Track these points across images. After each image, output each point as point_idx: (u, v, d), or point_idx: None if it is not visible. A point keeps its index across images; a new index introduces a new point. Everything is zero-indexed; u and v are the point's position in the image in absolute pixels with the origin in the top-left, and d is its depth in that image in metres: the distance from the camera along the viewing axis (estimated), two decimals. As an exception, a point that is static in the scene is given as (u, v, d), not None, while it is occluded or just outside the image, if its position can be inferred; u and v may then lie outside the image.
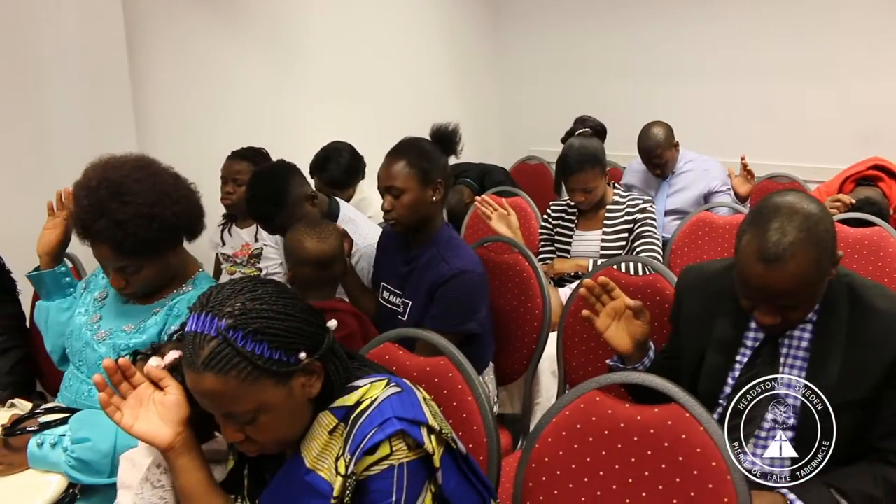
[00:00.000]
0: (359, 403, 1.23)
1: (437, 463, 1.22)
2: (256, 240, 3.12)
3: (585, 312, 1.74)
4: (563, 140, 3.53)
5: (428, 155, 2.22)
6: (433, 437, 1.22)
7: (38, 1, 2.90)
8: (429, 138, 2.31)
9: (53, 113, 3.00)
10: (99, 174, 1.78)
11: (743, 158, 3.54)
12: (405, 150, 2.22)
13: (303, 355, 1.18)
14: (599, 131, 3.69)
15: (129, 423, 1.31)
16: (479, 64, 5.48)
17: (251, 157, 3.05)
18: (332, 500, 1.20)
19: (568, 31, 5.29)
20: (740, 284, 1.51)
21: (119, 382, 1.35)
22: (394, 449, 1.18)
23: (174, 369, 1.37)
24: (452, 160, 4.63)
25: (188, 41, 3.51)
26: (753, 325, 1.63)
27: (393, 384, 1.26)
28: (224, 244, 3.18)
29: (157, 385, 1.36)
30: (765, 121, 4.44)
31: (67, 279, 2.13)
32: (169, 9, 3.41)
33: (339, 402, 1.25)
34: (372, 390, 1.24)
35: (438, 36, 5.11)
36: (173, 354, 1.38)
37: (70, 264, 2.22)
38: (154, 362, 1.38)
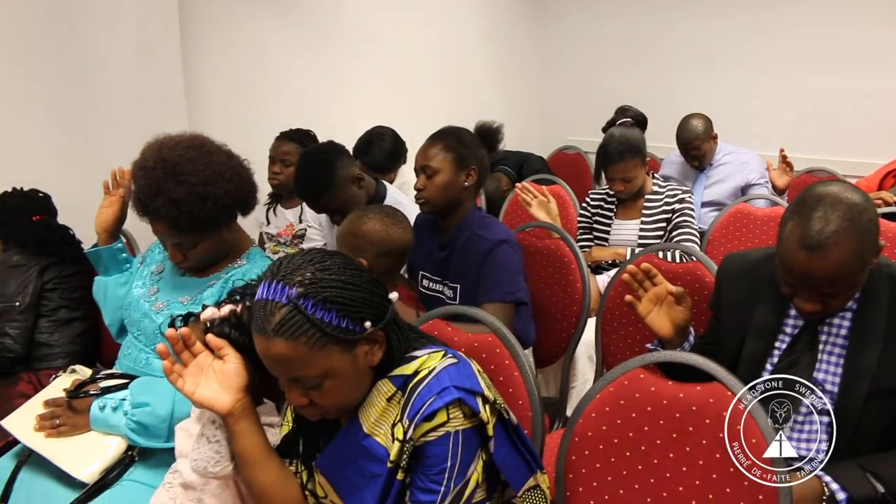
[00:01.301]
0: (417, 373, 1.29)
1: (490, 432, 1.27)
2: (300, 221, 3.19)
3: (628, 297, 1.78)
4: (604, 129, 3.56)
5: (466, 142, 2.29)
6: (488, 407, 1.28)
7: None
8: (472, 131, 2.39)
9: (107, 95, 3.10)
10: (155, 154, 1.84)
11: (782, 151, 3.55)
12: (444, 134, 2.31)
13: (368, 324, 1.23)
14: (640, 121, 3.72)
15: (191, 390, 1.36)
16: (519, 53, 5.52)
17: (299, 138, 3.12)
18: (389, 464, 1.26)
19: (607, 23, 5.29)
20: (782, 271, 1.54)
21: (180, 351, 1.39)
22: (451, 416, 1.24)
23: (226, 321, 1.41)
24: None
25: (238, 26, 3.60)
26: (793, 312, 1.65)
27: (450, 355, 1.32)
28: (269, 223, 3.25)
29: (216, 354, 1.40)
30: (804, 114, 4.42)
31: (124, 255, 2.20)
32: (221, 2, 3.52)
33: (397, 371, 1.31)
34: (429, 361, 1.30)
35: (479, 26, 5.15)
36: (228, 307, 1.42)
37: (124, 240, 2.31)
38: (209, 313, 1.43)
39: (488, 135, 2.41)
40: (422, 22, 4.61)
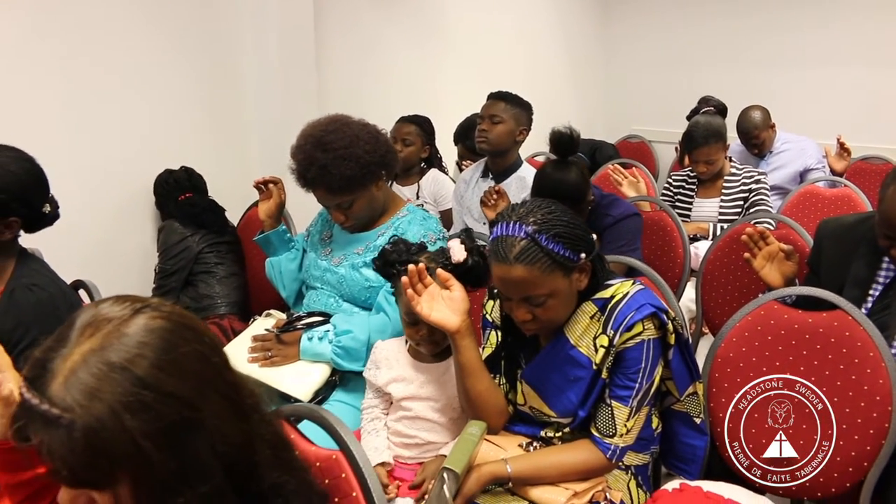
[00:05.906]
0: (613, 296, 1.62)
1: (671, 341, 1.60)
2: (417, 197, 3.48)
3: (746, 255, 2.10)
4: (689, 118, 3.86)
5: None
6: (670, 322, 1.60)
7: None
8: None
9: (254, 90, 3.48)
10: (305, 135, 2.18)
11: (839, 137, 3.86)
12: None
13: (583, 255, 1.56)
14: (721, 110, 4.02)
15: (427, 313, 1.69)
16: (588, 50, 5.84)
17: (419, 122, 3.47)
18: (594, 367, 1.61)
19: (670, 21, 5.49)
20: (883, 226, 1.84)
21: (416, 284, 1.74)
22: (645, 328, 1.56)
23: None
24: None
25: (361, 29, 4.00)
26: (885, 265, 1.96)
27: (638, 283, 1.66)
28: (386, 199, 3.57)
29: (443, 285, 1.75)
30: (860, 105, 4.59)
31: (288, 235, 2.50)
32: (348, 4, 3.90)
33: (598, 295, 1.64)
34: (622, 287, 1.64)
35: (554, 28, 5.49)
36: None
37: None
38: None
39: (568, 143, 2.53)
40: (507, 23, 5.02)
